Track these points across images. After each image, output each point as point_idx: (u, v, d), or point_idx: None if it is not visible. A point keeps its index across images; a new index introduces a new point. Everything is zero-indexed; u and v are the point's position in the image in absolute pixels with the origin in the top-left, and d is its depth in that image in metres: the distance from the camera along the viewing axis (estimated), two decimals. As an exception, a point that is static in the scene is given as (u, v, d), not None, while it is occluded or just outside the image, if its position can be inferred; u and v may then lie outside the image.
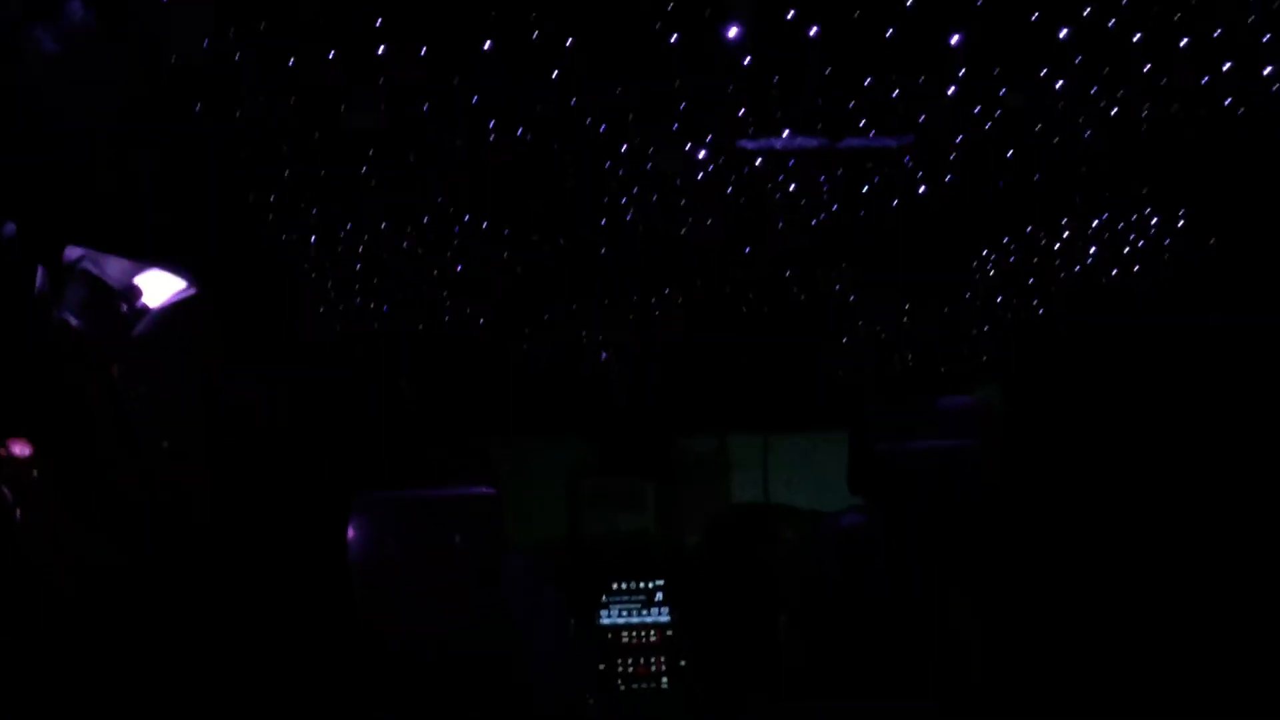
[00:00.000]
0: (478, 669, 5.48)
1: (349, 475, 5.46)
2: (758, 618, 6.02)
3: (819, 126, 3.30)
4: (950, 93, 3.13)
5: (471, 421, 5.78)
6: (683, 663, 5.98)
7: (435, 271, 4.61)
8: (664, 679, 5.97)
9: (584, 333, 5.42)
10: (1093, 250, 4.47)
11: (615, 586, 6.08)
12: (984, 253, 4.60)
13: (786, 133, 3.38)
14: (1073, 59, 2.96)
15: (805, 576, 5.92)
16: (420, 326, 5.05)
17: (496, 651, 5.58)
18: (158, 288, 3.69)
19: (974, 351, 5.51)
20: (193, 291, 3.74)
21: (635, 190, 3.84)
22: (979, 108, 3.21)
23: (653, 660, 6.00)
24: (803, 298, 4.97)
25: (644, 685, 5.94)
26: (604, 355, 5.76)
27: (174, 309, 3.71)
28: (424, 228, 4.16)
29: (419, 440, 5.69)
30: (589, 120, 3.28)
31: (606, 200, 3.91)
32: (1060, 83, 3.09)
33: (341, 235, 4.20)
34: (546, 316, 5.15)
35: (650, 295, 5.07)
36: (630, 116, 3.26)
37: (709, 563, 6.19)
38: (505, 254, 4.49)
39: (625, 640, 6.02)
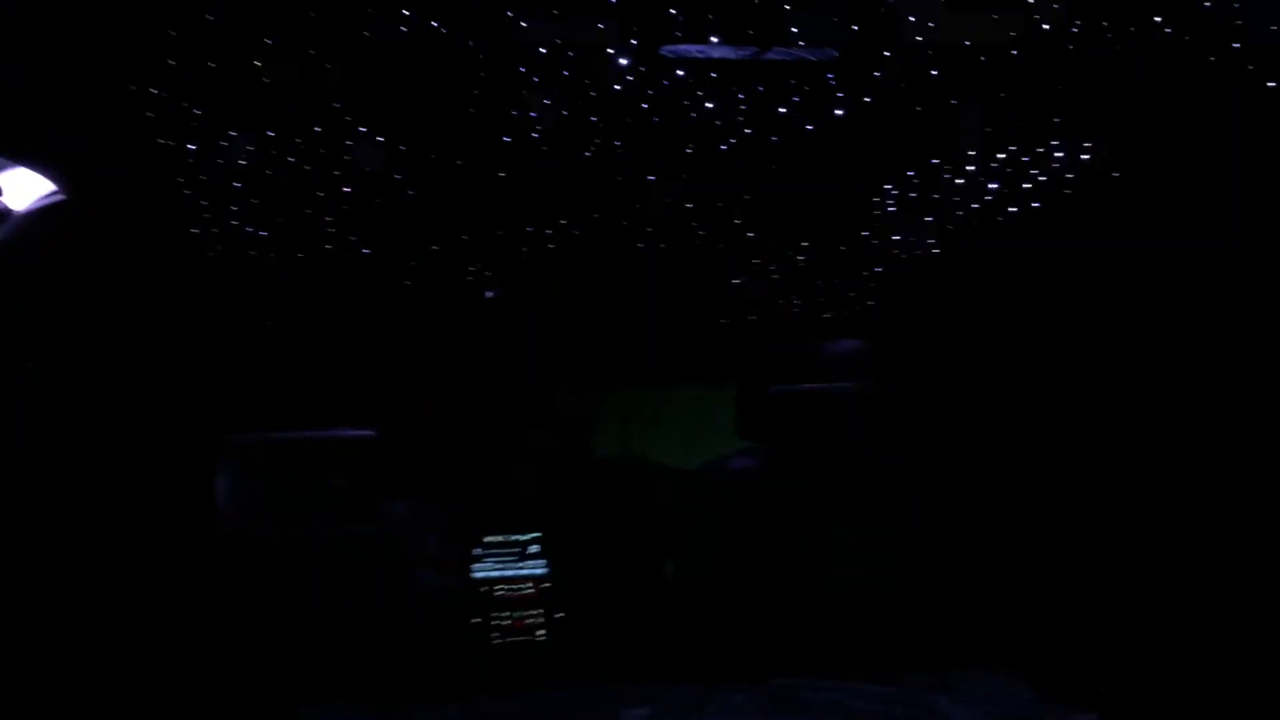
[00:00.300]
0: (361, 616, 5.27)
1: (216, 418, 5.15)
2: (640, 569, 5.95)
3: (750, 33, 3.17)
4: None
5: (350, 363, 5.52)
6: (559, 615, 5.88)
7: (321, 193, 4.33)
8: (540, 633, 5.87)
9: (472, 268, 5.19)
10: (992, 187, 4.48)
11: (489, 539, 5.95)
12: (886, 187, 4.56)
13: (715, 40, 3.24)
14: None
15: (692, 524, 5.87)
16: (300, 255, 4.74)
17: (379, 597, 5.38)
18: (21, 189, 3.36)
19: (866, 293, 5.51)
20: (60, 196, 3.42)
21: (547, 102, 3.65)
22: (911, 17, 3.13)
23: (528, 614, 5.89)
24: (701, 233, 4.85)
25: (520, 639, 5.82)
26: (488, 294, 5.54)
27: (40, 214, 3.38)
28: (314, 138, 3.88)
29: (294, 380, 5.41)
30: (507, 13, 3.08)
31: (516, 114, 3.71)
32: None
33: (223, 145, 3.88)
34: (435, 248, 4.91)
35: (545, 228, 4.88)
36: (554, 11, 3.07)
37: (588, 514, 6.09)
38: (398, 175, 4.24)
39: (500, 594, 5.89)
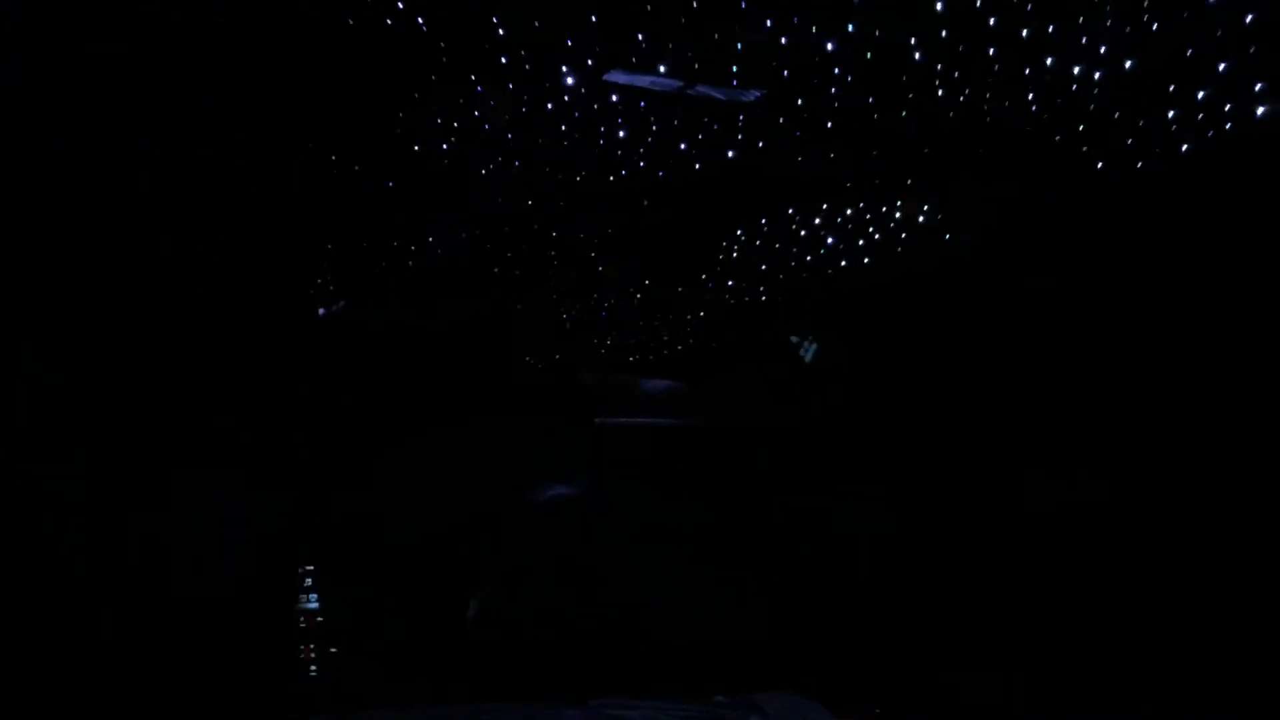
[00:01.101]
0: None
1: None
2: (428, 601, 5.87)
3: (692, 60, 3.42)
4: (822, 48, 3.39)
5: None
6: (333, 650, 5.71)
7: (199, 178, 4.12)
8: (313, 668, 5.66)
9: (320, 279, 5.06)
10: (830, 241, 4.91)
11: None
12: (737, 231, 4.90)
13: (662, 68, 3.47)
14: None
15: (507, 553, 5.87)
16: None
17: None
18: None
19: (686, 335, 5.80)
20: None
21: (477, 114, 3.73)
22: (837, 68, 3.49)
23: (301, 648, 5.68)
24: (556, 261, 5.01)
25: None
26: (321, 311, 5.41)
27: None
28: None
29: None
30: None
31: (441, 122, 3.76)
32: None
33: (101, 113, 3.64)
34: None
35: (392, 241, 4.85)
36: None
37: (369, 545, 5.97)
38: (280, 159, 4.12)
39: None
